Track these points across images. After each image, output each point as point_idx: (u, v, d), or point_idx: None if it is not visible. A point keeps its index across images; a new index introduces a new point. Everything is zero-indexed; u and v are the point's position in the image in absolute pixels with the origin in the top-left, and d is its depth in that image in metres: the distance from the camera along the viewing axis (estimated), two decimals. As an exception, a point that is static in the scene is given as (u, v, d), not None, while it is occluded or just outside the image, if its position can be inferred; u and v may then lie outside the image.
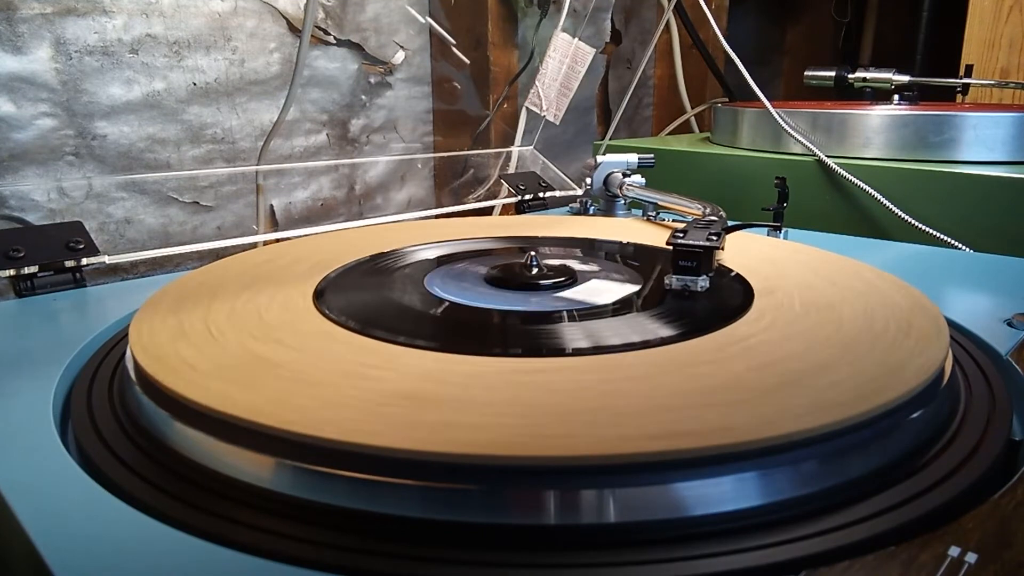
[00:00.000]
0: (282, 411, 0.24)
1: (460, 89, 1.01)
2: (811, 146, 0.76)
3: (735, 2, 1.38)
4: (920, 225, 0.66)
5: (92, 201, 0.74)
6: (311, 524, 0.22)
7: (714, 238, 0.39)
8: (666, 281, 0.38)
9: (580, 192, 0.70)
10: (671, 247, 0.38)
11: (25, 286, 0.45)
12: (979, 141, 0.71)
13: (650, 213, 0.61)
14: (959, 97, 0.96)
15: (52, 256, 0.46)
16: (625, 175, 0.65)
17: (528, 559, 0.21)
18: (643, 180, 0.65)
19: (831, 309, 0.35)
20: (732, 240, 0.46)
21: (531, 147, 0.94)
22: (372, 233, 0.53)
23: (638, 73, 0.98)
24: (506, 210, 0.84)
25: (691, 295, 0.37)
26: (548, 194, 0.78)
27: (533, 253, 0.41)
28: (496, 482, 0.22)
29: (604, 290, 0.39)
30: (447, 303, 0.37)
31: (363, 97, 0.95)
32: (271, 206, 0.88)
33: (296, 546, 0.21)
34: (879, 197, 0.69)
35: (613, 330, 0.33)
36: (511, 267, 0.41)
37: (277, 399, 0.25)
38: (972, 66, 0.99)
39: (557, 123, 0.90)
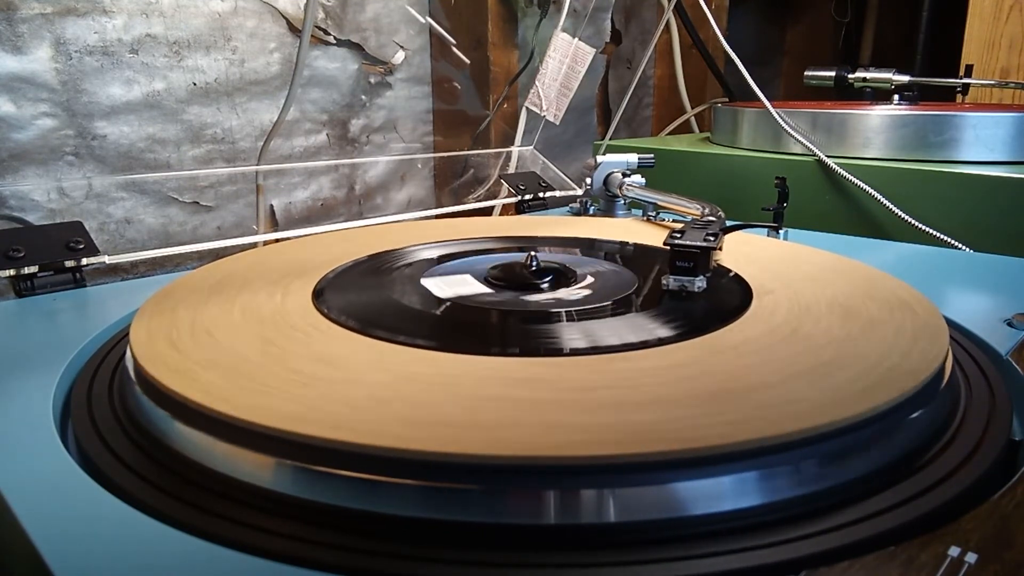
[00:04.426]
0: (282, 411, 0.24)
1: (460, 89, 1.01)
2: (811, 146, 0.76)
3: (735, 2, 1.38)
4: (920, 225, 0.66)
5: (92, 201, 0.74)
6: (311, 524, 0.22)
7: (712, 238, 0.39)
8: (663, 281, 0.38)
9: (580, 192, 0.70)
10: (668, 247, 0.38)
11: (25, 286, 0.45)
12: (979, 141, 0.71)
13: (650, 213, 0.61)
14: (959, 97, 0.96)
15: (52, 256, 0.46)
16: (625, 175, 0.65)
17: (528, 559, 0.21)
18: (643, 180, 0.65)
19: (830, 309, 0.35)
20: (731, 240, 0.46)
21: (531, 147, 0.94)
22: (372, 233, 0.53)
23: (638, 73, 0.98)
24: (506, 210, 0.84)
25: (688, 296, 0.37)
26: (548, 194, 0.78)
27: (533, 253, 0.41)
28: (496, 482, 0.22)
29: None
30: (447, 303, 0.37)
31: (363, 97, 0.95)
32: (271, 206, 0.88)
33: (296, 546, 0.21)
34: (879, 197, 0.69)
35: (611, 330, 0.33)
36: (511, 267, 0.41)
37: (277, 399, 0.25)
38: (972, 66, 0.99)
39: (557, 123, 0.90)
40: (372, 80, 0.96)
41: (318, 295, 0.38)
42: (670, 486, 0.22)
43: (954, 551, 0.20)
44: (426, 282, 0.40)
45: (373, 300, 0.38)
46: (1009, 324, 0.38)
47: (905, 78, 0.90)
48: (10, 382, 0.32)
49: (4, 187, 0.68)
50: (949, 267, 0.51)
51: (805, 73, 0.99)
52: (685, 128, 1.26)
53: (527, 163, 0.93)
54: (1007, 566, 0.20)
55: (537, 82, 0.87)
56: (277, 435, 0.23)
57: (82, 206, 0.73)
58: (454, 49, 0.99)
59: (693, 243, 0.38)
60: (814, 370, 0.28)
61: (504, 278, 0.40)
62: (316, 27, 0.87)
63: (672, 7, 0.97)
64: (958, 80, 0.93)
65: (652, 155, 0.68)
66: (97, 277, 0.48)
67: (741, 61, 0.83)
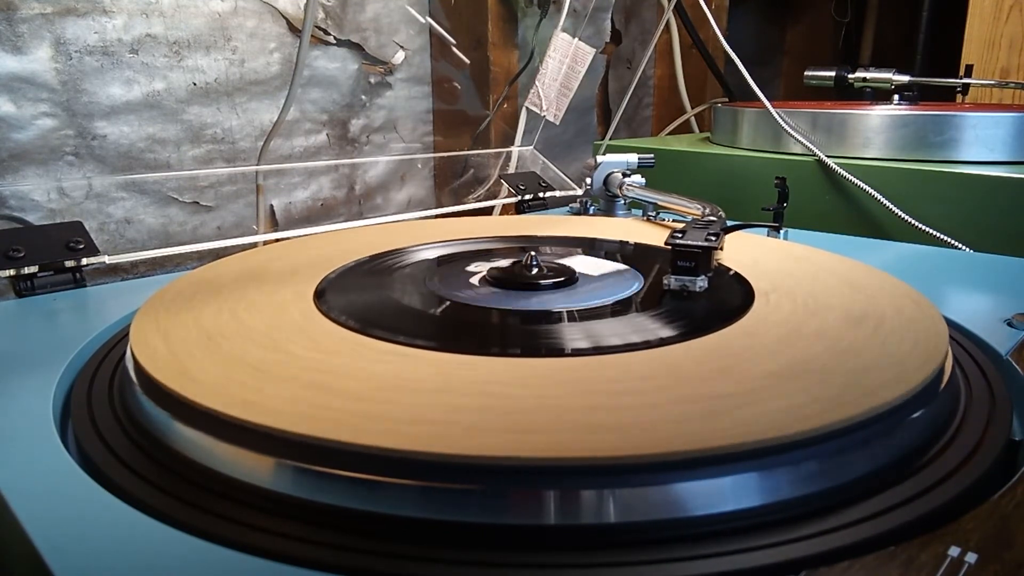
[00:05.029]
0: (282, 411, 0.24)
1: (460, 89, 1.01)
2: (811, 146, 0.76)
3: (735, 2, 1.38)
4: (920, 225, 0.66)
5: (92, 201, 0.74)
6: (311, 524, 0.22)
7: (713, 238, 0.39)
8: (664, 281, 0.38)
9: (580, 192, 0.70)
10: (669, 247, 0.38)
11: (25, 286, 0.45)
12: (979, 141, 0.71)
13: (650, 213, 0.61)
14: (959, 97, 0.96)
15: (52, 256, 0.46)
16: (625, 175, 0.65)
17: (528, 559, 0.21)
18: (643, 180, 0.65)
19: (831, 309, 0.35)
20: (732, 240, 0.46)
21: (531, 147, 0.94)
22: (372, 233, 0.53)
23: (638, 73, 0.98)
24: (506, 210, 0.84)
25: (690, 295, 0.37)
26: (548, 194, 0.78)
27: (533, 253, 0.41)
28: (496, 482, 0.22)
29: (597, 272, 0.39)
30: (447, 303, 0.37)
31: (363, 97, 0.95)
32: (271, 206, 0.88)
33: (296, 546, 0.21)
34: (879, 197, 0.69)
35: (612, 330, 0.33)
36: (511, 267, 0.41)
37: (277, 399, 0.25)
38: (972, 66, 0.99)
39: (557, 123, 0.90)
40: (372, 80, 0.96)
41: (319, 295, 0.38)
42: (670, 487, 0.22)
43: (954, 551, 0.20)
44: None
45: (374, 300, 0.38)
46: (1009, 324, 0.38)
47: (905, 78, 0.90)
48: (10, 382, 0.32)
49: (4, 187, 0.68)
50: (949, 267, 0.51)
51: (805, 73, 0.99)
52: (685, 128, 1.26)
53: (527, 163, 0.93)
54: (1007, 566, 0.20)
55: (537, 82, 0.87)
56: (277, 435, 0.23)
57: (82, 206, 0.73)
58: (454, 49, 0.99)
59: (694, 243, 0.38)
60: (814, 370, 0.28)
61: (502, 278, 0.40)
62: (316, 27, 0.87)
63: (672, 7, 0.97)
64: (958, 80, 0.93)
65: (652, 155, 0.68)
66: (97, 277, 0.48)
67: (741, 61, 0.83)
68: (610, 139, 0.94)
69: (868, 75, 0.93)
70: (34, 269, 0.45)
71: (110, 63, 0.72)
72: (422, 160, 1.04)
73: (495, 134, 1.02)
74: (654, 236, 0.52)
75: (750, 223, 0.48)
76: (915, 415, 0.26)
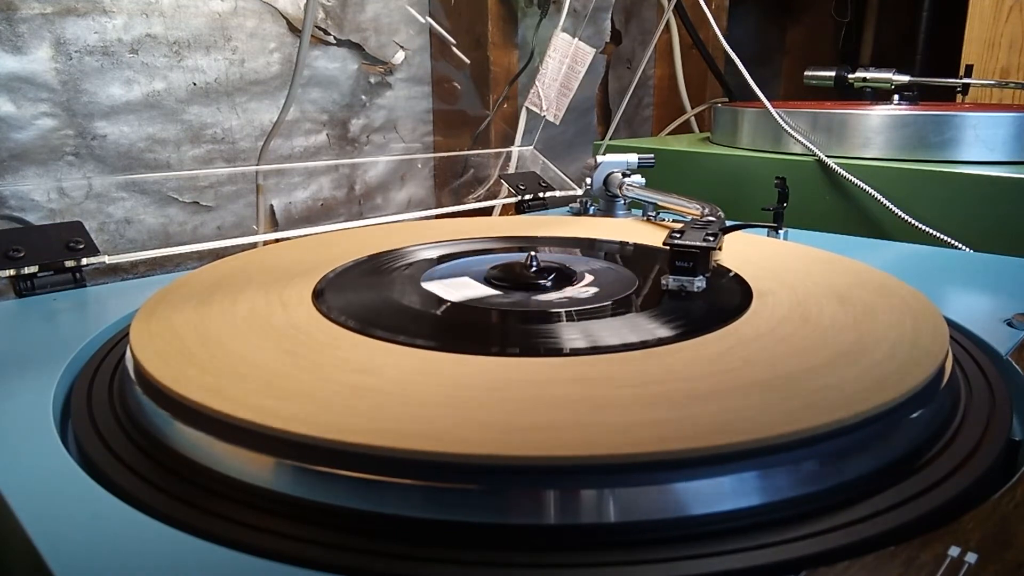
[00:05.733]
0: (282, 411, 0.24)
1: (460, 89, 1.01)
2: (811, 146, 0.76)
3: (735, 2, 1.38)
4: (920, 225, 0.66)
5: (92, 201, 0.74)
6: (311, 524, 0.22)
7: (711, 238, 0.39)
8: (663, 281, 0.38)
9: (580, 192, 0.70)
10: (668, 247, 0.38)
11: (25, 286, 0.45)
12: (979, 141, 0.71)
13: (650, 213, 0.61)
14: (959, 97, 0.96)
15: (52, 256, 0.46)
16: (625, 175, 0.65)
17: (528, 559, 0.21)
18: (643, 180, 0.65)
19: (830, 309, 0.35)
20: (731, 240, 0.46)
21: (531, 147, 0.94)
22: (372, 233, 0.53)
23: (638, 73, 0.98)
24: (506, 210, 0.84)
25: (688, 295, 0.37)
26: (548, 194, 0.78)
27: (533, 253, 0.41)
28: (497, 482, 0.22)
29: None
30: (446, 303, 0.37)
31: (363, 97, 0.95)
32: (271, 206, 0.88)
33: (296, 546, 0.21)
34: (879, 197, 0.69)
35: (611, 330, 0.33)
36: (511, 267, 0.41)
37: (277, 399, 0.25)
38: (972, 66, 0.99)
39: (557, 123, 0.90)
40: (372, 80, 0.96)
41: (318, 295, 0.38)
42: (670, 486, 0.22)
43: (954, 551, 0.20)
44: (429, 285, 0.40)
45: (373, 300, 0.38)
46: (1009, 324, 0.38)
47: (905, 78, 0.90)
48: (10, 382, 0.32)
49: (4, 187, 0.68)
50: (949, 267, 0.51)
51: (805, 73, 0.99)
52: (685, 128, 1.26)
53: (527, 163, 0.93)
54: (1007, 566, 0.20)
55: (537, 82, 0.87)
56: (277, 435, 0.23)
57: (82, 206, 0.73)
58: (454, 49, 0.99)
59: (693, 243, 0.38)
60: (814, 370, 0.28)
61: (504, 278, 0.40)
62: (316, 27, 0.87)
63: (672, 7, 0.97)
64: (958, 80, 0.93)
65: (652, 155, 0.68)
66: (97, 277, 0.48)
67: (741, 61, 0.83)
68: (610, 139, 0.94)
69: (868, 75, 0.93)
70: (34, 269, 0.45)
71: (110, 63, 0.72)
72: (422, 160, 1.04)
73: (495, 134, 1.02)
74: (654, 236, 0.52)
75: (749, 223, 0.48)
76: (915, 415, 0.26)
